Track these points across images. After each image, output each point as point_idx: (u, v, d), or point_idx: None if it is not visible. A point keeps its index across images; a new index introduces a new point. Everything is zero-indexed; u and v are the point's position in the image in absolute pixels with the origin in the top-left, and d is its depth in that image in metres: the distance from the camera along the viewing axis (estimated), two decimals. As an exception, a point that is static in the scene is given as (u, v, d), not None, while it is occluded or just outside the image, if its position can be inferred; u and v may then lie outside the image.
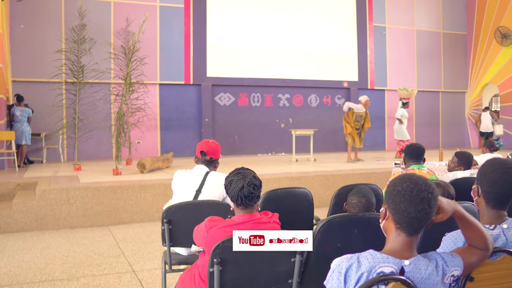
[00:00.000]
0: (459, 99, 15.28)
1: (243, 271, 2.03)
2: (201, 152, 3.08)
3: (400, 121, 10.24)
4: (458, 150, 4.21)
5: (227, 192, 2.18)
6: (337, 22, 13.21)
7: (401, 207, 1.37)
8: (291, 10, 12.69)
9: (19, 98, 9.19)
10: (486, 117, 13.24)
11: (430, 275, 1.36)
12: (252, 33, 12.28)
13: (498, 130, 13.30)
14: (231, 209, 2.25)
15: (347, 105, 9.86)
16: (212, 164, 3.10)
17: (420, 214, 1.35)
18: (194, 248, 2.53)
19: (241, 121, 12.18)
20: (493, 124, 13.30)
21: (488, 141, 6.41)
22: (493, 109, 14.52)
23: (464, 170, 3.88)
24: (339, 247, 2.10)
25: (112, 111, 10.19)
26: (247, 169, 2.22)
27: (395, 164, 5.80)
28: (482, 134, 13.41)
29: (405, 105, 10.48)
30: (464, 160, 3.93)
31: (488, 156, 5.45)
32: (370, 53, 13.58)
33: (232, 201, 2.16)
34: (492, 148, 6.00)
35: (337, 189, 3.08)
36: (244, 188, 2.09)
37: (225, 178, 2.22)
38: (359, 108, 9.73)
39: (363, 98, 9.92)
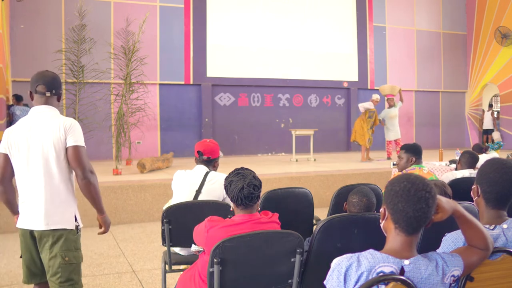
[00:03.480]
0: (459, 99, 15.27)
1: (243, 271, 2.03)
2: (198, 152, 3.07)
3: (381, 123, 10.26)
4: (458, 150, 4.22)
5: (227, 193, 2.17)
6: (337, 22, 13.20)
7: (399, 207, 1.37)
8: (291, 10, 12.68)
9: (18, 98, 9.18)
10: (488, 116, 13.30)
11: (430, 275, 1.36)
12: (252, 33, 12.27)
13: (496, 135, 13.37)
14: (231, 209, 2.25)
15: (363, 106, 9.86)
16: (211, 163, 3.08)
17: (418, 214, 1.35)
18: (194, 248, 2.53)
19: (241, 121, 12.18)
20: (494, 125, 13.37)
21: (476, 145, 6.37)
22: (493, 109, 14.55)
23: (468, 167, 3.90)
24: (339, 247, 2.10)
25: (112, 111, 10.18)
26: (247, 169, 2.22)
27: (394, 164, 5.80)
28: (485, 132, 13.44)
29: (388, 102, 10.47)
30: (466, 159, 3.96)
31: (488, 156, 5.44)
32: (370, 53, 13.58)
33: (232, 201, 2.16)
34: (482, 150, 6.00)
35: (337, 189, 3.07)
36: (244, 188, 2.09)
37: (225, 179, 2.21)
38: (371, 105, 9.82)
39: (377, 96, 9.98)
